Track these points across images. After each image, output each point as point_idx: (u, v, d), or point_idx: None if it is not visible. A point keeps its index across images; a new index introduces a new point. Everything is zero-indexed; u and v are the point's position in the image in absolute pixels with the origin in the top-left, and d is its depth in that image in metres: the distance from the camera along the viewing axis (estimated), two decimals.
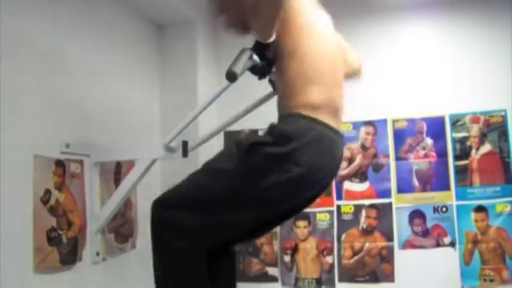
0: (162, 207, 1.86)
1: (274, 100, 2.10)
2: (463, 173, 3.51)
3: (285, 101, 1.91)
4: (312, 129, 1.81)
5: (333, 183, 3.64)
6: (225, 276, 2.07)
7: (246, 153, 1.80)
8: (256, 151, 1.79)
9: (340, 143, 1.95)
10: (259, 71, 2.01)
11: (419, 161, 3.57)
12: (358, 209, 3.61)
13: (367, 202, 3.61)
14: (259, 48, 1.91)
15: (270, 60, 1.97)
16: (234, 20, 2.07)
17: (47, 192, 2.40)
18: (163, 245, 1.83)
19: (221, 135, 3.73)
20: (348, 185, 3.65)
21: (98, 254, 2.74)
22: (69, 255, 2.53)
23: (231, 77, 1.83)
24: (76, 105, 2.70)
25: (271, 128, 1.85)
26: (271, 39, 1.91)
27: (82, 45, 2.78)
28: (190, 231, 1.80)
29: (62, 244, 2.47)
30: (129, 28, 3.32)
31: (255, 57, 1.90)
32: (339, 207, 3.64)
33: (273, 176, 1.76)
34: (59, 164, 2.51)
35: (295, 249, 3.67)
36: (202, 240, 1.82)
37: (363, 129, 3.67)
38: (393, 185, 3.59)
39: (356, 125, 3.67)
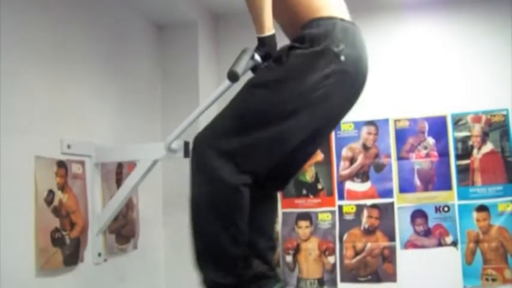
0: (207, 139, 1.85)
1: None
2: (464, 172, 3.50)
3: (299, 21, 1.93)
4: (335, 24, 1.86)
5: (335, 184, 3.64)
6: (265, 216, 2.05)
7: (285, 58, 1.83)
8: (295, 54, 1.83)
9: (360, 33, 1.99)
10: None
11: (421, 160, 3.57)
12: (360, 209, 3.61)
13: (368, 202, 3.61)
14: (262, 47, 1.91)
15: (271, 57, 1.97)
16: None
17: (51, 192, 2.41)
18: (210, 175, 1.82)
19: None
20: (349, 185, 3.64)
21: (99, 254, 2.74)
22: (72, 256, 2.53)
23: (233, 77, 1.82)
24: (77, 105, 2.70)
25: (299, 38, 1.87)
26: (271, 33, 1.91)
27: (83, 45, 2.78)
28: (236, 155, 1.79)
29: (65, 245, 2.47)
30: (131, 29, 3.32)
31: (257, 57, 1.90)
32: (340, 207, 3.63)
33: (316, 72, 1.79)
34: (61, 164, 2.51)
35: (297, 250, 3.66)
36: (249, 165, 1.81)
37: (365, 129, 3.66)
38: (395, 184, 3.58)
39: (358, 125, 3.66)
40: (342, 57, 1.82)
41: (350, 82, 1.91)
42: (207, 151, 1.83)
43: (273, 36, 1.91)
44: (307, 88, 1.80)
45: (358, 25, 1.99)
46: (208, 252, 1.88)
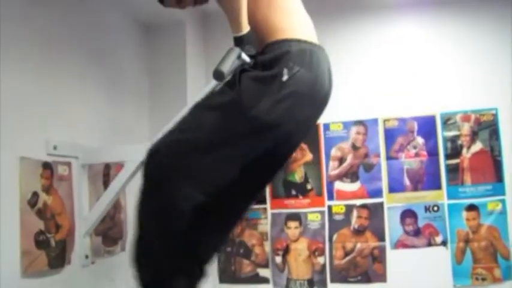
0: (158, 155, 1.84)
1: None
2: (454, 171, 3.50)
3: (260, 45, 1.94)
4: (290, 47, 1.85)
5: (324, 184, 3.63)
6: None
7: (238, 82, 1.83)
8: (246, 77, 1.83)
9: (322, 54, 1.96)
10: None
11: (411, 160, 3.57)
12: (349, 209, 3.60)
13: (358, 202, 3.60)
14: (240, 43, 1.90)
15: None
16: None
17: (35, 195, 2.37)
18: (158, 191, 1.81)
19: None
20: (339, 185, 3.63)
21: (86, 257, 2.71)
22: (58, 259, 2.49)
23: (219, 76, 1.81)
24: (63, 106, 2.67)
25: (254, 64, 1.88)
26: (247, 30, 1.90)
27: (69, 45, 2.75)
28: (187, 173, 1.79)
29: (50, 247, 2.44)
30: (118, 29, 3.30)
31: (244, 56, 1.89)
32: (330, 207, 3.62)
33: (267, 96, 1.79)
34: (47, 166, 2.47)
35: (286, 250, 3.65)
36: (199, 183, 1.81)
37: (354, 129, 3.65)
38: (384, 184, 3.58)
39: (347, 125, 3.65)
40: (294, 81, 1.80)
41: (306, 104, 1.89)
42: (162, 167, 1.82)
43: (250, 33, 1.91)
44: (259, 112, 1.78)
45: (322, 47, 1.98)
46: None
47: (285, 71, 1.80)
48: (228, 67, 1.80)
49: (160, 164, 1.82)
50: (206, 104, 1.90)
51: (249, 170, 1.89)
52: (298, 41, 1.89)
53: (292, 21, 1.96)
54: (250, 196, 2.14)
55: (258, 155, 1.88)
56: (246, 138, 1.82)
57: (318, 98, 1.94)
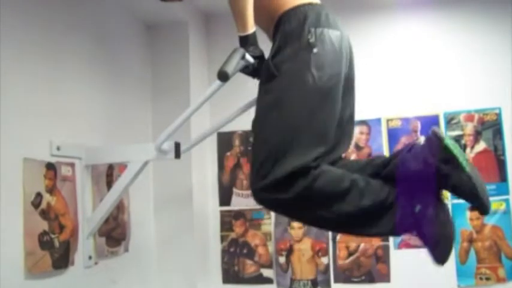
0: (265, 175, 1.81)
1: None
2: None
3: (270, 22, 1.97)
4: (306, 12, 1.89)
5: None
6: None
7: (275, 69, 1.84)
8: (281, 60, 1.85)
9: (330, 11, 2.00)
10: (252, 71, 1.99)
11: None
12: None
13: None
14: (245, 43, 1.90)
15: (262, 58, 1.96)
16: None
17: (38, 195, 2.37)
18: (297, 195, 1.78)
19: (214, 136, 3.71)
20: None
21: (90, 257, 2.71)
22: (61, 259, 2.49)
23: (223, 77, 1.81)
24: (67, 106, 2.67)
25: (278, 41, 1.90)
26: (253, 30, 1.91)
27: (72, 45, 2.75)
28: (307, 167, 1.78)
29: (54, 248, 2.44)
30: (121, 29, 3.29)
31: (248, 57, 1.89)
32: None
33: (308, 67, 1.81)
34: (50, 167, 2.47)
35: (290, 251, 3.64)
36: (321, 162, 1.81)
37: (357, 129, 3.64)
38: None
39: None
40: (324, 42, 1.85)
41: (340, 57, 1.93)
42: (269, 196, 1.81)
43: (255, 34, 1.92)
44: (311, 86, 1.81)
45: (326, 6, 2.02)
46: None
47: (310, 36, 1.83)
48: (232, 68, 1.80)
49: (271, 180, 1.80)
50: (261, 114, 1.88)
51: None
52: (310, 3, 1.93)
53: None
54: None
55: (335, 121, 1.92)
56: (316, 114, 1.82)
57: (347, 50, 2.01)
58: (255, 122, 1.90)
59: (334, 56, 1.88)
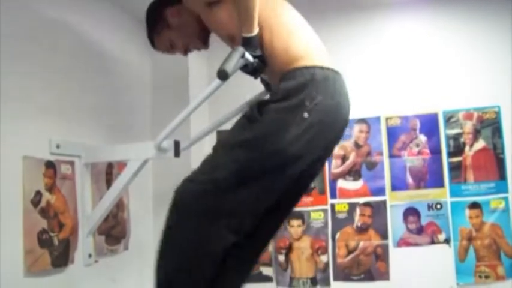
0: (181, 202, 1.86)
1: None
2: (457, 169, 3.50)
3: (277, 72, 1.95)
4: (313, 75, 1.86)
5: (327, 182, 3.62)
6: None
7: (258, 115, 1.84)
8: (268, 110, 1.84)
9: (341, 79, 1.99)
10: (251, 70, 1.99)
11: (413, 158, 3.56)
12: (352, 207, 3.59)
13: (361, 200, 3.59)
14: (248, 44, 1.90)
15: (262, 57, 1.95)
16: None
17: (38, 193, 2.37)
18: (185, 226, 1.83)
19: (213, 134, 3.71)
20: (341, 183, 3.63)
21: (90, 256, 2.71)
22: (61, 258, 2.50)
23: (223, 75, 1.81)
24: (66, 105, 2.67)
25: (275, 91, 1.91)
26: (256, 32, 1.90)
27: (71, 44, 2.75)
28: (214, 215, 1.81)
29: (53, 246, 2.44)
30: (119, 27, 3.29)
31: (247, 56, 1.89)
32: (333, 205, 3.62)
33: (291, 128, 1.80)
34: (49, 165, 2.48)
35: (289, 249, 3.64)
36: (228, 219, 1.82)
37: (356, 127, 3.65)
38: (387, 182, 3.57)
39: (349, 123, 3.63)
40: (317, 111, 1.83)
41: (329, 131, 1.92)
42: (194, 205, 1.84)
43: (257, 36, 1.91)
44: (284, 145, 1.80)
45: (339, 73, 2.00)
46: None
47: (308, 101, 1.81)
48: (232, 66, 1.80)
49: (184, 211, 1.84)
50: (228, 142, 1.90)
51: (276, 202, 1.92)
52: (321, 68, 1.90)
53: (312, 49, 1.97)
54: (276, 225, 2.18)
55: (285, 187, 1.90)
56: (273, 173, 1.83)
57: (340, 123, 1.98)
58: (221, 145, 1.93)
59: (322, 127, 1.86)
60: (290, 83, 1.86)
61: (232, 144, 1.88)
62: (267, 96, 2.01)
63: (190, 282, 1.84)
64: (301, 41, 1.98)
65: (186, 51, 2.37)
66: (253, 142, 1.83)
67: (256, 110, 1.86)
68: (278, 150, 1.80)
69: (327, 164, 3.62)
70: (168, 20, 2.30)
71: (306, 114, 1.80)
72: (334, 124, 1.94)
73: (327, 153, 2.08)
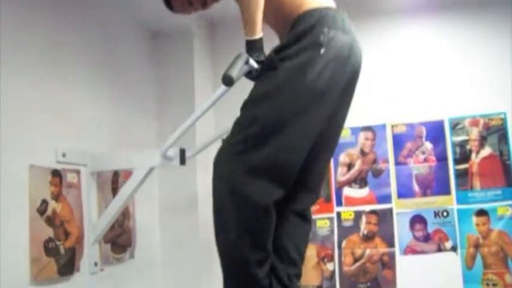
0: (230, 157, 1.83)
1: None
2: (463, 176, 3.48)
3: (285, 22, 1.94)
4: (322, 14, 1.87)
5: (333, 190, 3.61)
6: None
7: (277, 62, 1.83)
8: (285, 56, 1.83)
9: (347, 18, 1.98)
10: (256, 76, 1.99)
11: (419, 165, 3.55)
12: (358, 215, 3.58)
13: (367, 208, 3.58)
14: (252, 48, 1.90)
15: (266, 62, 1.95)
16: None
17: (44, 202, 2.38)
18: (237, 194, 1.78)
19: (219, 143, 3.71)
20: (347, 191, 3.62)
21: (96, 264, 2.71)
22: (67, 266, 2.50)
23: (228, 81, 1.81)
24: (72, 114, 2.68)
25: (288, 39, 1.88)
26: (260, 35, 1.90)
27: (77, 53, 2.77)
28: (263, 169, 1.77)
29: (59, 255, 2.44)
30: (125, 36, 3.31)
31: (252, 62, 1.89)
32: (339, 213, 3.61)
33: (312, 66, 1.79)
34: (56, 173, 2.48)
35: None
36: (269, 172, 1.79)
37: (362, 135, 3.65)
38: (393, 190, 3.56)
39: (355, 131, 3.64)
40: (333, 44, 1.82)
41: (346, 65, 1.91)
42: (232, 169, 1.80)
43: (261, 39, 1.91)
44: (308, 84, 1.79)
45: (346, 14, 2.00)
46: (231, 271, 1.85)
47: (322, 37, 1.81)
48: (236, 72, 1.80)
49: (225, 179, 1.81)
50: (253, 98, 1.88)
51: (316, 145, 1.90)
52: (328, 8, 1.91)
53: None
54: (321, 174, 2.14)
55: (320, 127, 1.88)
56: (304, 114, 1.81)
57: (355, 58, 1.96)
58: (246, 104, 1.90)
59: (339, 61, 1.86)
60: (301, 26, 1.86)
61: (257, 98, 1.86)
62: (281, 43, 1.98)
63: (254, 242, 1.80)
64: None
65: (204, 4, 2.31)
66: (278, 89, 1.81)
67: (273, 58, 1.85)
68: (304, 90, 1.79)
69: (332, 172, 3.62)
70: None
71: (322, 50, 1.80)
72: (349, 58, 1.91)
73: (350, 90, 2.05)
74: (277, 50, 1.87)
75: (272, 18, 2.01)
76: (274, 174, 1.79)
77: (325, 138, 1.97)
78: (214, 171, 1.86)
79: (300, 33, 1.84)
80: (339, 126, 2.10)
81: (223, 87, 1.94)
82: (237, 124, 1.88)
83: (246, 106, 1.89)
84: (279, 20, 2.00)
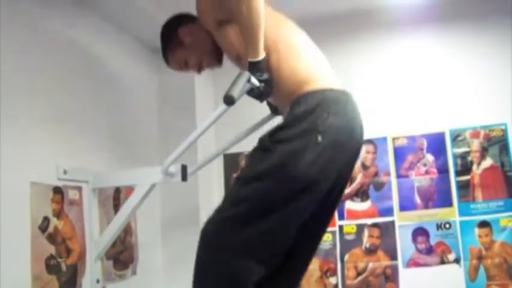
0: (207, 237, 1.85)
1: (272, 123, 2.09)
2: (465, 188, 3.48)
3: (284, 96, 1.94)
4: (323, 97, 1.85)
5: None
6: None
7: (272, 145, 1.82)
8: (280, 137, 1.83)
9: (353, 100, 1.97)
10: (258, 94, 1.99)
11: (421, 177, 3.55)
12: (360, 228, 3.58)
13: (369, 221, 3.58)
14: (255, 68, 1.90)
15: (268, 81, 1.95)
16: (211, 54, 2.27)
17: (45, 219, 2.38)
18: (214, 267, 1.82)
19: (221, 158, 3.71)
20: (349, 205, 3.61)
21: (98, 281, 2.70)
22: (69, 283, 2.49)
23: (229, 101, 1.82)
24: (73, 130, 2.68)
25: (285, 120, 1.89)
26: (263, 56, 1.91)
27: (78, 69, 2.78)
28: (242, 248, 1.79)
29: (61, 272, 2.44)
30: (126, 52, 3.32)
31: (253, 80, 1.89)
32: (341, 227, 3.60)
33: (306, 152, 1.78)
34: (57, 190, 2.48)
35: None
36: (254, 253, 1.81)
37: (363, 148, 3.63)
38: (395, 203, 3.56)
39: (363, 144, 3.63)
40: (330, 132, 1.81)
41: (344, 151, 1.91)
42: (219, 242, 1.82)
43: (265, 59, 1.91)
44: (301, 171, 1.78)
45: (349, 93, 1.99)
46: None
47: (320, 123, 1.80)
48: (238, 91, 1.81)
49: (211, 250, 1.83)
50: (245, 176, 1.89)
51: (304, 227, 1.90)
52: (331, 90, 1.90)
53: (321, 72, 1.97)
54: (313, 247, 2.17)
55: (310, 211, 1.89)
56: (295, 200, 1.81)
57: (354, 143, 1.96)
58: (239, 179, 1.91)
59: (337, 147, 1.85)
60: (301, 107, 1.84)
61: (250, 177, 1.86)
62: (279, 120, 1.99)
63: None
64: (310, 64, 1.97)
65: (199, 69, 2.37)
66: (270, 172, 1.80)
67: (268, 140, 1.85)
68: (296, 176, 1.78)
69: None
70: (182, 39, 2.31)
71: (319, 138, 1.79)
72: (348, 144, 1.91)
73: (346, 172, 2.05)
74: (275, 131, 1.86)
75: (275, 93, 2.02)
76: (258, 254, 1.81)
77: (315, 218, 1.98)
78: (201, 239, 1.87)
79: (299, 116, 1.83)
80: (336, 200, 2.10)
81: (224, 106, 1.94)
82: (228, 197, 1.90)
83: (239, 181, 1.90)
84: (279, 93, 2.00)
